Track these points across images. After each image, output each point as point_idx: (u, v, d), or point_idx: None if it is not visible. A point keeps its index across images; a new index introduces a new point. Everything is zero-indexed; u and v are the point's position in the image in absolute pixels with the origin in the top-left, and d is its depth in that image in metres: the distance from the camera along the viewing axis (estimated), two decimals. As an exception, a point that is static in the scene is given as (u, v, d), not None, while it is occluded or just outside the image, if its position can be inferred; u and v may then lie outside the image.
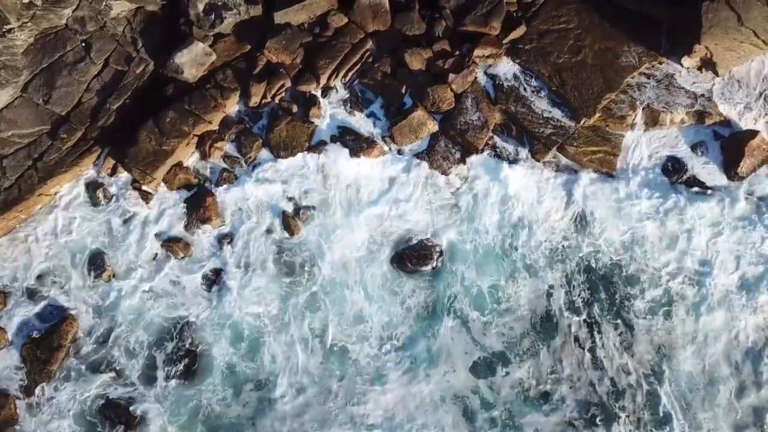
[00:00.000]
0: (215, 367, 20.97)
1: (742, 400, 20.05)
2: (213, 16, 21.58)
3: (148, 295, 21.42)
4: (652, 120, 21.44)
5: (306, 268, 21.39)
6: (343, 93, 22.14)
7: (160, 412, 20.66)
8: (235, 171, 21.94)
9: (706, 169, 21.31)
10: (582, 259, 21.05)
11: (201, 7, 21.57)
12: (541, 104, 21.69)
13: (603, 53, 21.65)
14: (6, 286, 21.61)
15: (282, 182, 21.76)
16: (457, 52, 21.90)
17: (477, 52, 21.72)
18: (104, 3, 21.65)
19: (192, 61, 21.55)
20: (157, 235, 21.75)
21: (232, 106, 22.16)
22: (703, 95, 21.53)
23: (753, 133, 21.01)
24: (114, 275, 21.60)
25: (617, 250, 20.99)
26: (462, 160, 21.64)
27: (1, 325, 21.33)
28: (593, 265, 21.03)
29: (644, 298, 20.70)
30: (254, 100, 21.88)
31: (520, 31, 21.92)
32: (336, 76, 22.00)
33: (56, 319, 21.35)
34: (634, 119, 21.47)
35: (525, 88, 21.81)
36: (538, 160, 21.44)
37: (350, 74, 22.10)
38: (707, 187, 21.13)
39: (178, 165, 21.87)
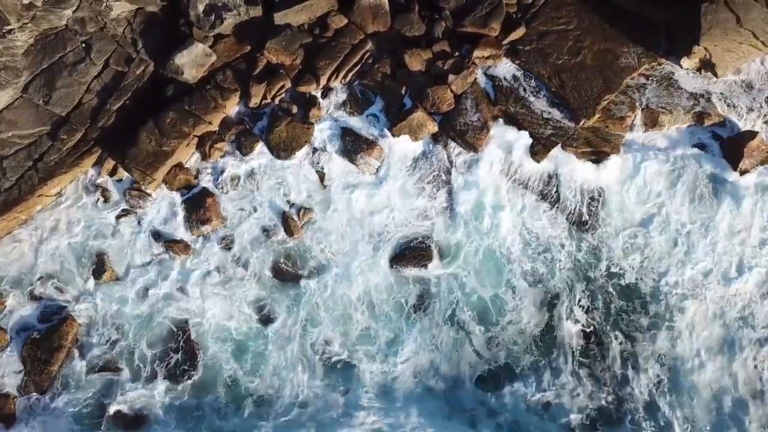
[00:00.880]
0: (216, 367, 21.04)
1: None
2: (213, 17, 21.60)
3: (149, 296, 21.46)
4: (651, 121, 21.48)
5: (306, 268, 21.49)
6: (343, 94, 22.16)
7: (159, 411, 20.71)
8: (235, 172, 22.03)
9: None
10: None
11: (201, 8, 21.59)
12: (541, 105, 21.72)
13: (602, 54, 21.68)
14: (6, 287, 21.63)
15: (283, 183, 21.80)
16: (457, 53, 21.93)
17: (476, 53, 21.75)
18: (104, 4, 21.66)
19: (192, 61, 21.57)
20: (157, 236, 21.77)
21: (232, 107, 22.18)
22: (702, 96, 21.57)
23: (752, 134, 21.07)
24: (114, 276, 21.63)
25: None
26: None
27: (2, 325, 21.35)
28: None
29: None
30: (254, 101, 21.91)
31: (519, 33, 21.95)
32: (336, 77, 22.02)
33: (56, 319, 21.38)
34: (633, 120, 21.51)
35: (524, 89, 21.84)
36: (538, 161, 21.47)
37: (350, 75, 22.12)
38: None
39: (179, 166, 21.89)
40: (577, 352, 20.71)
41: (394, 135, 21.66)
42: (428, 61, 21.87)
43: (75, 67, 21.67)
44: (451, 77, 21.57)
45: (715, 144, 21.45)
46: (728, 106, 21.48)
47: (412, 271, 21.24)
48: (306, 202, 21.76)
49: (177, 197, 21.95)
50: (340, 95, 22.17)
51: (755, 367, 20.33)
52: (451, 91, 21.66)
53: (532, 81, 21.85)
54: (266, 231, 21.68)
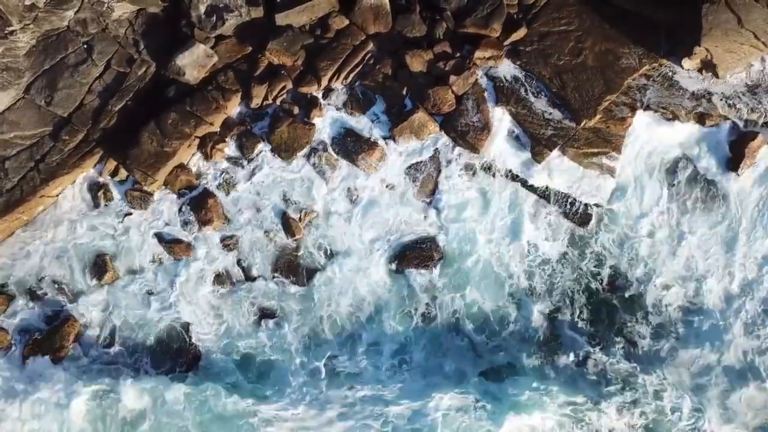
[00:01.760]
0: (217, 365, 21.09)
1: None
2: (214, 18, 21.62)
3: (150, 297, 21.49)
4: (653, 122, 21.50)
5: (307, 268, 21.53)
6: (344, 95, 22.17)
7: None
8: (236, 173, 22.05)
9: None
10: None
11: (202, 8, 21.61)
12: (542, 106, 21.72)
13: (603, 55, 21.68)
14: (8, 287, 21.66)
15: (284, 184, 21.82)
16: (458, 54, 21.93)
17: (478, 53, 21.76)
18: (106, 5, 21.69)
19: (193, 62, 21.59)
20: (158, 237, 21.80)
21: (234, 108, 22.20)
22: (703, 96, 21.58)
23: (753, 135, 21.08)
24: (116, 277, 21.66)
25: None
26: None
27: (3, 326, 21.40)
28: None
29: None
30: (255, 102, 21.93)
31: (520, 33, 21.95)
32: (337, 78, 22.04)
33: (58, 320, 21.42)
34: (634, 121, 21.51)
35: (526, 90, 21.84)
36: (539, 162, 21.48)
37: (351, 76, 22.13)
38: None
39: (180, 166, 21.91)
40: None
41: (395, 136, 21.68)
42: (429, 61, 21.88)
43: (77, 68, 21.71)
44: (452, 78, 21.58)
45: (716, 145, 21.47)
46: (729, 106, 21.48)
47: (414, 273, 21.26)
48: (307, 203, 21.78)
49: (178, 198, 21.96)
50: (341, 96, 22.17)
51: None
52: (452, 91, 21.66)
53: (533, 82, 21.86)
54: (267, 232, 21.70)
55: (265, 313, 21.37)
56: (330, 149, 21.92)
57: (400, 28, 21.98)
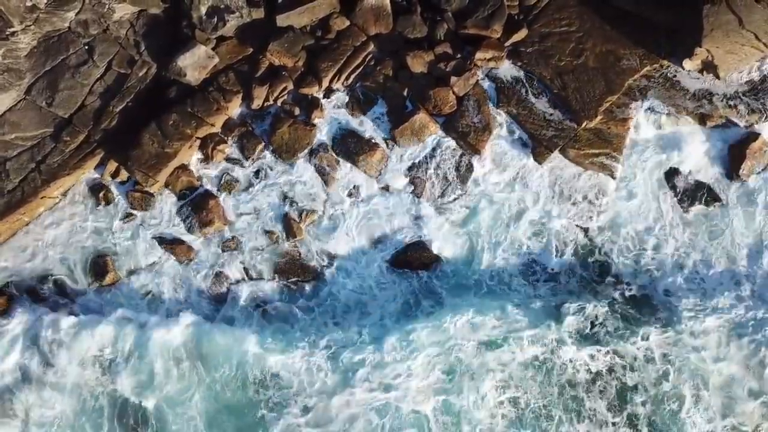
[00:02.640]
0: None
1: None
2: (215, 19, 21.64)
3: (151, 298, 21.50)
4: (654, 122, 21.50)
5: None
6: (345, 96, 22.19)
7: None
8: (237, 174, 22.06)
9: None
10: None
11: (203, 9, 21.63)
12: (543, 106, 21.74)
13: (604, 56, 21.69)
14: (8, 288, 21.64)
15: (285, 185, 21.83)
16: (459, 55, 21.94)
17: (478, 54, 21.77)
18: (107, 6, 21.71)
19: (194, 63, 21.61)
20: (159, 238, 21.80)
21: (235, 109, 22.21)
22: (705, 97, 21.58)
23: (755, 136, 21.07)
24: (117, 278, 21.65)
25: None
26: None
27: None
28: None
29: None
30: (256, 103, 21.94)
31: (521, 34, 21.96)
32: (338, 79, 22.05)
33: (59, 321, 21.42)
34: (635, 122, 21.50)
35: (526, 91, 21.86)
36: (540, 162, 21.49)
37: (352, 77, 22.15)
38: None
39: (181, 167, 21.92)
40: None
41: (396, 137, 21.69)
42: (430, 62, 21.89)
43: (78, 69, 21.72)
44: (453, 79, 21.59)
45: (717, 145, 21.48)
46: (730, 107, 21.48)
47: (414, 273, 21.31)
48: (308, 203, 21.78)
49: (179, 199, 21.96)
50: (342, 97, 22.19)
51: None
52: (453, 92, 21.68)
53: (534, 82, 21.87)
54: (268, 233, 21.69)
55: (265, 312, 21.38)
56: (331, 150, 21.94)
57: (401, 29, 22.00)
